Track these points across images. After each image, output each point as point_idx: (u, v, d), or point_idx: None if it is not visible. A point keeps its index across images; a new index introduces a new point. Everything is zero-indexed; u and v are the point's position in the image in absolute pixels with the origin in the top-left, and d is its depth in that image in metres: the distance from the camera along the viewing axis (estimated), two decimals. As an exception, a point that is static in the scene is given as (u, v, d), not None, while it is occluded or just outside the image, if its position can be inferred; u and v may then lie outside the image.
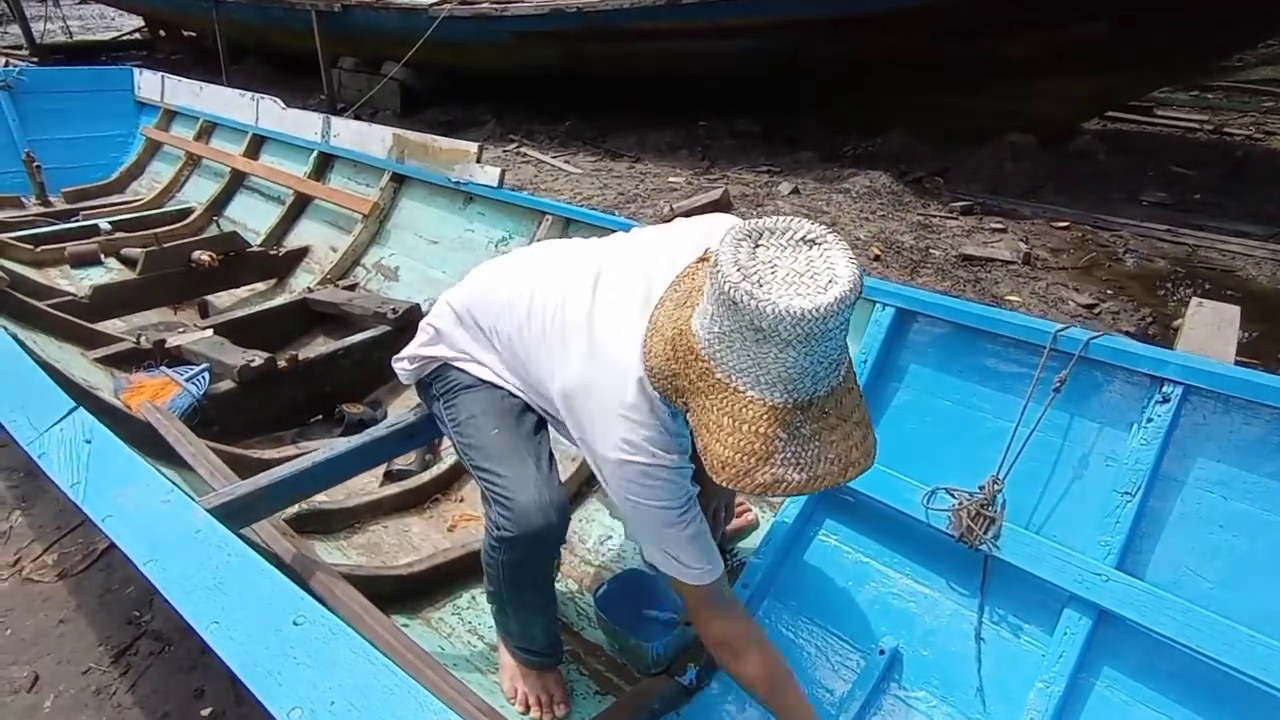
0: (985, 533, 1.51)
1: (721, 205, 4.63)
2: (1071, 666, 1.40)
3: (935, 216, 4.82)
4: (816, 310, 0.90)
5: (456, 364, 1.41)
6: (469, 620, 1.71)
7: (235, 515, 1.20)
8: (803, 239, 0.97)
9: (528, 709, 1.45)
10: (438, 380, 1.44)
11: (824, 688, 1.56)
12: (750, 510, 1.89)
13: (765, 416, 0.97)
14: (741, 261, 0.95)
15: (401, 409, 2.49)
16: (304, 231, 3.54)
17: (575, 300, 1.23)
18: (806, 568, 1.73)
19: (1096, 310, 3.75)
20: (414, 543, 1.95)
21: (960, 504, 1.54)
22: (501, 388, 1.36)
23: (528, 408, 1.37)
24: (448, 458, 2.21)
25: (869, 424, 1.06)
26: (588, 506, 2.00)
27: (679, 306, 1.08)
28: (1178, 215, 4.89)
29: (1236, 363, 3.03)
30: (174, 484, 1.09)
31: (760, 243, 0.97)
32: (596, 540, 1.93)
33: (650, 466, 1.11)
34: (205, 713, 1.73)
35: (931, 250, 4.29)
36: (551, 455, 1.36)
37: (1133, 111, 6.95)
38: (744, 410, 0.97)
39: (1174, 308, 3.85)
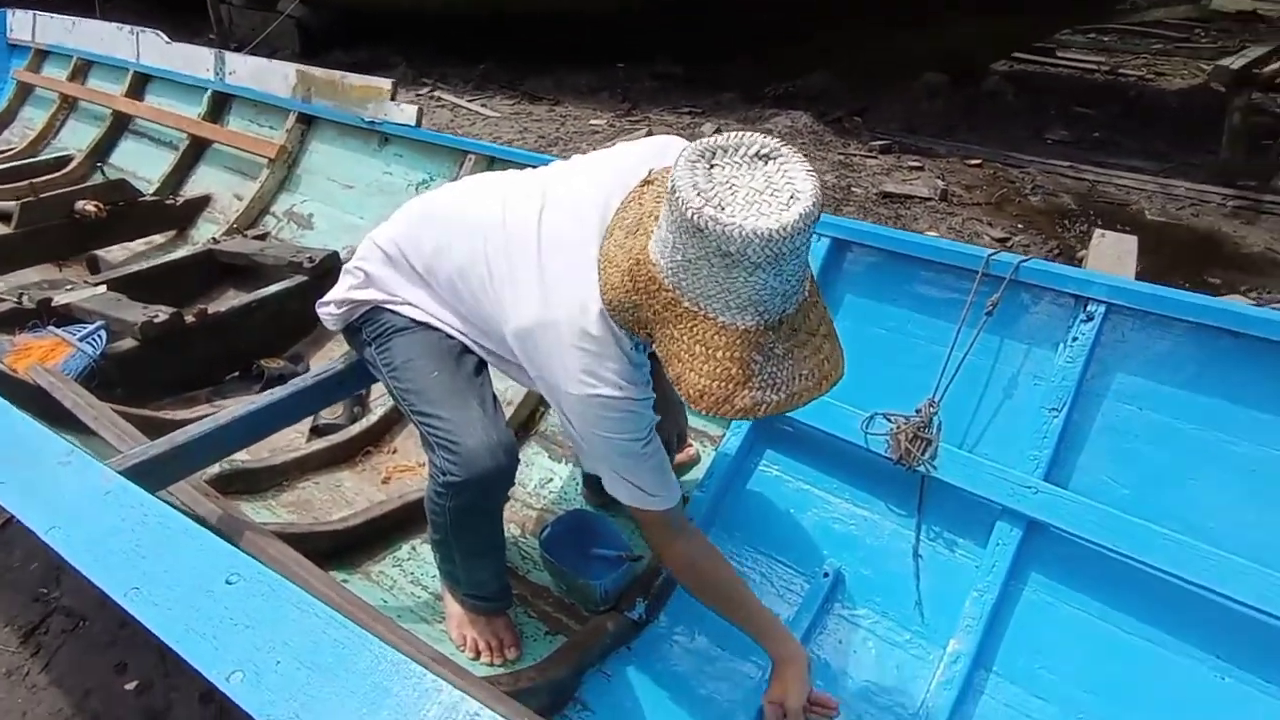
0: (922, 454, 1.55)
1: (648, 147, 4.53)
2: (1003, 575, 1.47)
3: (855, 155, 4.87)
4: (784, 229, 0.88)
5: (388, 306, 1.33)
6: (410, 571, 1.66)
7: (147, 477, 1.10)
8: (757, 154, 0.94)
9: (478, 655, 1.43)
10: (368, 324, 1.35)
11: (774, 611, 1.59)
12: (691, 445, 1.89)
13: (739, 341, 0.96)
14: (700, 184, 0.91)
15: (325, 361, 2.36)
16: (203, 179, 3.27)
17: (521, 237, 1.17)
18: (749, 498, 1.74)
19: (1009, 243, 3.89)
20: (347, 497, 1.87)
21: (898, 428, 1.58)
22: (438, 329, 1.30)
23: (466, 349, 1.30)
24: (377, 409, 2.12)
25: (835, 335, 1.06)
26: (527, 450, 1.96)
27: (630, 235, 1.04)
28: (1079, 152, 5.10)
29: (1138, 289, 3.21)
30: (75, 446, 0.99)
31: (715, 162, 0.94)
32: (537, 483, 1.90)
33: (615, 399, 1.09)
34: (130, 686, 1.64)
35: (853, 188, 4.35)
36: (496, 397, 1.32)
37: (1037, 53, 7.17)
38: (716, 337, 0.96)
39: (1077, 240, 4.04)
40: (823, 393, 1.02)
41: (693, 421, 1.95)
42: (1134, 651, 1.38)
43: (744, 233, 0.88)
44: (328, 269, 2.45)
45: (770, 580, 1.64)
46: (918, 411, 1.57)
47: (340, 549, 1.64)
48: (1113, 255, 3.56)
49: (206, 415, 1.98)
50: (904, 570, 1.58)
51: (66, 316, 2.17)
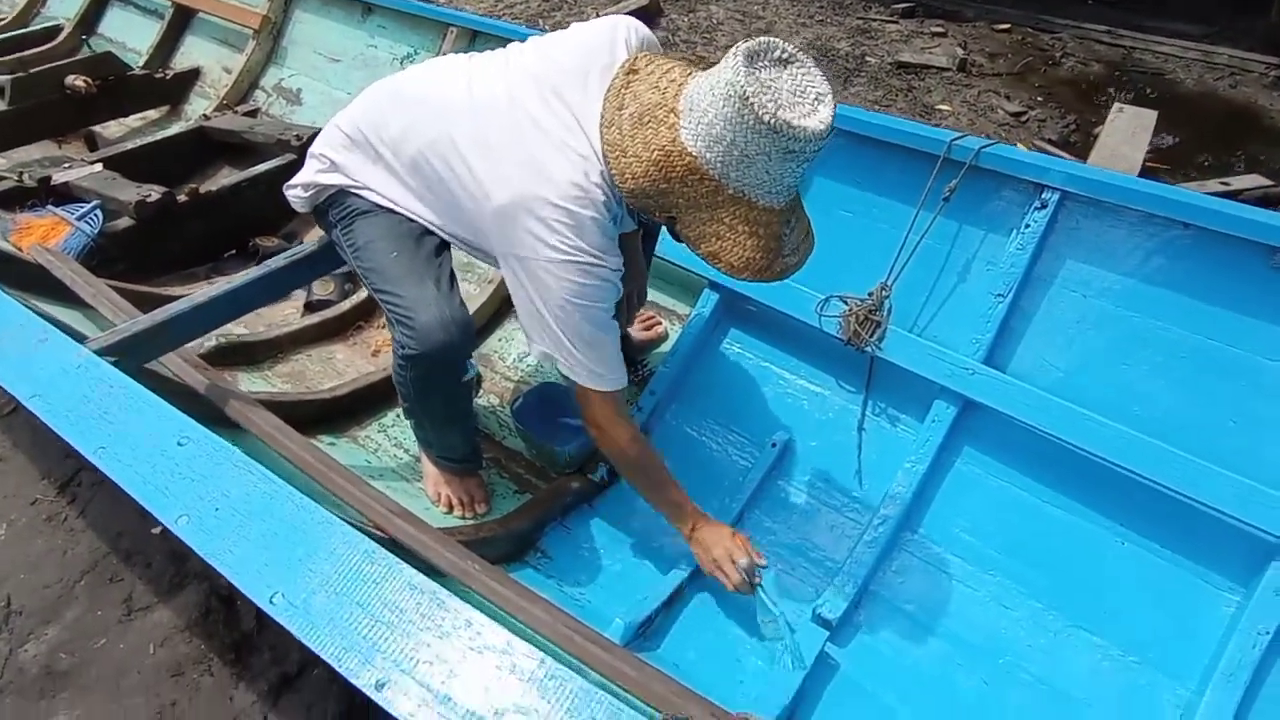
0: (871, 336, 1.62)
1: (650, 11, 4.33)
2: (935, 449, 1.58)
3: (875, 20, 4.61)
4: (827, 127, 1.04)
5: (353, 190, 1.39)
6: (394, 436, 1.81)
7: (133, 350, 1.22)
8: (779, 59, 1.05)
9: (451, 509, 1.59)
10: (334, 207, 1.42)
11: (723, 477, 1.73)
12: (659, 324, 1.98)
13: (777, 220, 1.13)
14: (766, 87, 1.02)
15: (316, 239, 2.44)
16: (192, 51, 3.23)
17: (493, 117, 1.22)
18: (710, 374, 1.85)
19: (1024, 118, 3.76)
20: (338, 369, 2.00)
21: (850, 310, 1.64)
22: (399, 213, 1.36)
23: (427, 232, 1.37)
24: (368, 287, 2.21)
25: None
26: (506, 327, 2.07)
27: (640, 125, 1.11)
28: (1119, 15, 4.76)
29: (1144, 169, 3.12)
30: (73, 329, 1.10)
31: (755, 65, 1.03)
32: (515, 358, 2.01)
33: (595, 266, 1.18)
34: (156, 530, 1.85)
35: (867, 58, 4.16)
36: (453, 275, 1.39)
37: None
38: (760, 217, 1.11)
39: (1100, 114, 3.87)
40: (811, 253, 1.23)
41: (660, 299, 2.03)
42: (1047, 519, 1.51)
43: (808, 131, 1.02)
44: (316, 147, 2.47)
45: (725, 449, 1.77)
46: (870, 294, 1.63)
47: (328, 416, 1.78)
48: (1127, 131, 3.43)
49: (179, 291, 2.10)
50: (847, 443, 1.70)
51: (65, 195, 2.25)
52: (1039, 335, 1.59)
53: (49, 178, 2.29)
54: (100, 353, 1.16)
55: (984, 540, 1.54)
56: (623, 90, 1.14)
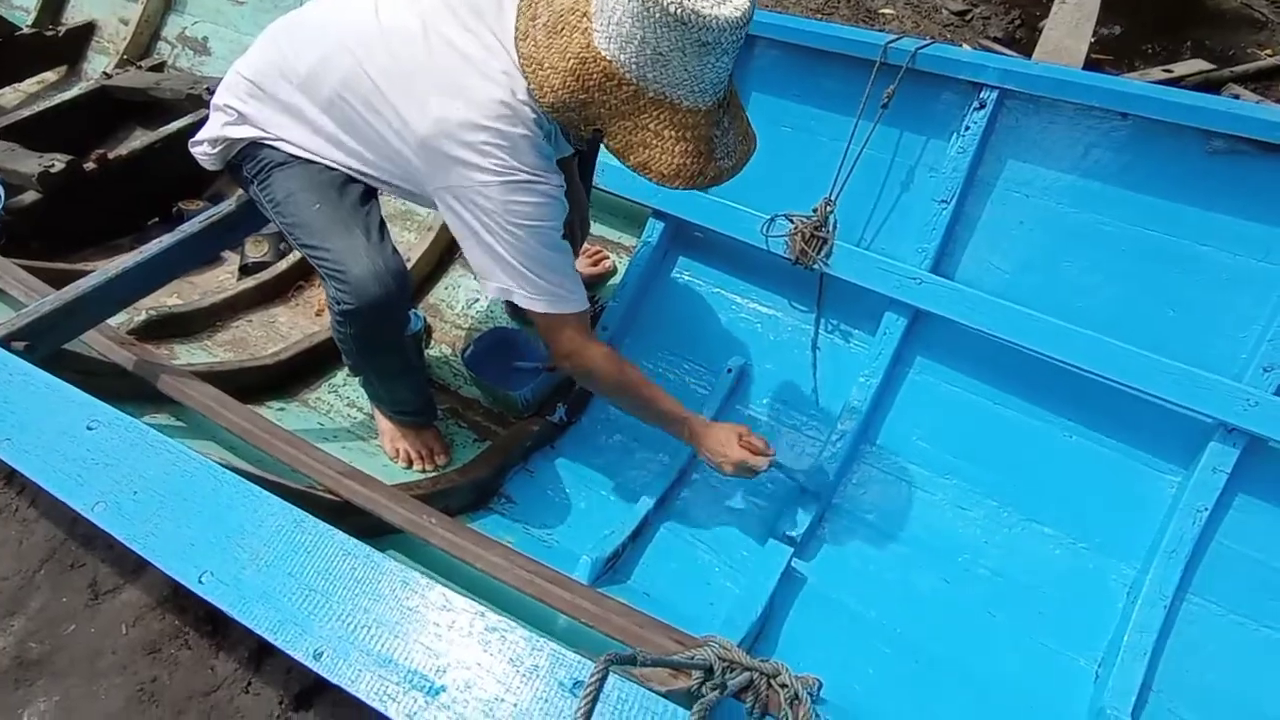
0: (818, 253, 1.61)
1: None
2: (888, 361, 1.59)
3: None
4: (742, 14, 0.98)
5: (265, 141, 1.31)
6: (346, 396, 1.77)
7: (44, 333, 1.15)
8: None
9: (410, 463, 1.57)
10: (247, 161, 1.33)
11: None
12: (607, 258, 1.94)
13: (704, 121, 1.07)
14: None
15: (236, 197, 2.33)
16: (84, 3, 2.98)
17: (406, 44, 1.14)
18: (662, 304, 1.83)
19: (968, 17, 3.67)
20: (282, 332, 1.94)
21: (796, 228, 1.62)
22: (317, 162, 1.28)
23: (350, 179, 1.30)
24: (303, 245, 2.13)
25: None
26: (452, 274, 2.01)
27: (554, 34, 1.05)
28: (1060, -102, 4.61)
29: (1088, 61, 3.09)
30: None
31: None
32: (463, 305, 1.97)
33: (537, 184, 1.14)
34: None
35: (808, -39, 4.00)
36: (383, 223, 1.33)
37: None
38: (685, 119, 1.06)
39: (1045, 7, 3.79)
40: (752, 151, 1.18)
41: (605, 233, 1.99)
42: (999, 420, 1.54)
43: (720, 20, 0.97)
44: (230, 98, 2.33)
45: (681, 379, 1.76)
46: (815, 211, 1.61)
47: (274, 381, 1.73)
48: (1070, 22, 3.38)
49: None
50: (803, 363, 1.70)
51: (-39, 171, 2.10)
52: (983, 239, 1.59)
53: (-60, 154, 2.13)
54: (7, 339, 1.10)
55: (940, 446, 1.57)
56: (533, 3, 1.08)
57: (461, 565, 1.08)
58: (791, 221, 1.64)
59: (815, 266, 1.61)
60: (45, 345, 1.15)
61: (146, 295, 1.39)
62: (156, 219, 2.33)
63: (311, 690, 1.56)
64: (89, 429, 0.83)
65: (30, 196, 2.03)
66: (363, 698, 0.65)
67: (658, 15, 0.96)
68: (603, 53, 1.03)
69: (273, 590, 0.70)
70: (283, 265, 2.08)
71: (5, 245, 1.83)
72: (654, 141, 1.07)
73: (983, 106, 1.53)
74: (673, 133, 1.06)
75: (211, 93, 2.31)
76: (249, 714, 1.55)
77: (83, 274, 1.92)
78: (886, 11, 3.64)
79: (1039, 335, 1.46)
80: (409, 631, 0.67)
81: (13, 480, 1.91)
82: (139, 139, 2.35)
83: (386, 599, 0.69)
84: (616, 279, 1.89)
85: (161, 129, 2.32)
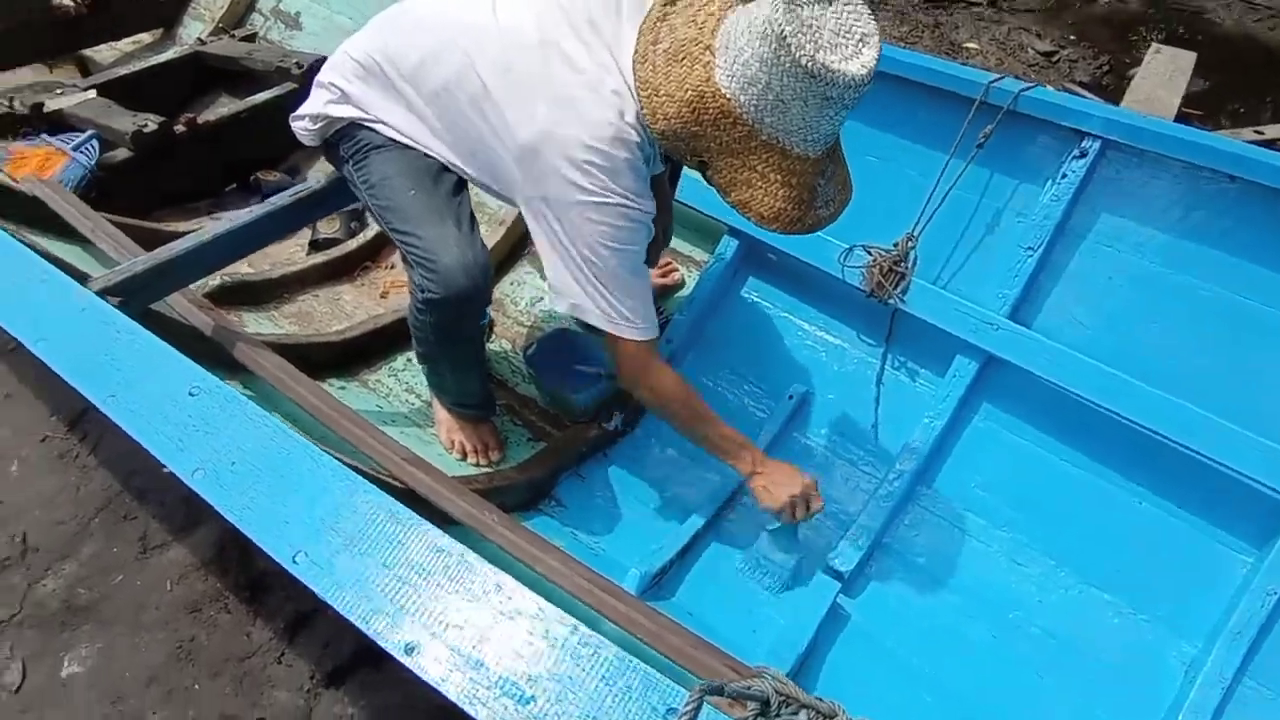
0: (894, 288, 1.58)
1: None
2: (954, 404, 1.55)
3: (901, -53, 4.38)
4: (868, 72, 0.98)
5: (365, 123, 1.31)
6: (405, 381, 1.79)
7: (139, 291, 1.18)
8: None
9: (464, 456, 1.58)
10: (345, 140, 1.34)
11: (739, 428, 1.70)
12: (676, 270, 1.93)
13: (811, 169, 1.08)
14: (807, 25, 0.96)
15: (322, 172, 2.37)
16: (185, -33, 3.07)
17: (521, 49, 1.15)
18: (729, 323, 1.81)
19: (1055, 58, 3.61)
20: (346, 310, 1.97)
21: (874, 260, 1.60)
22: (415, 148, 1.29)
23: (445, 168, 1.31)
24: (375, 225, 2.16)
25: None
26: (518, 270, 2.02)
27: (674, 62, 1.05)
28: (1161, -54, 4.52)
29: (1179, 114, 3.01)
30: (72, 266, 1.05)
31: (798, 2, 0.96)
32: (528, 302, 1.97)
33: (629, 208, 1.14)
34: (168, 470, 1.86)
35: (893, -11, 3.97)
36: (473, 216, 1.34)
37: None
38: (794, 166, 1.06)
39: (1135, 55, 3.71)
40: (846, 206, 1.18)
41: (678, 245, 1.98)
42: (1064, 477, 1.50)
43: (847, 77, 0.97)
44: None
45: (741, 400, 1.75)
46: (895, 245, 1.58)
47: (338, 359, 1.75)
48: (1164, 73, 3.29)
49: (180, 227, 2.05)
50: (866, 396, 1.68)
51: (59, 123, 2.16)
52: (1068, 291, 1.55)
53: (41, 104, 2.20)
54: (103, 293, 1.12)
55: (999, 497, 1.53)
56: (659, 23, 1.08)
57: (516, 564, 1.08)
58: (870, 253, 1.61)
59: (890, 301, 1.59)
60: (136, 303, 1.17)
61: (232, 263, 1.42)
62: (234, 185, 2.38)
63: (343, 669, 1.57)
64: (191, 394, 0.85)
65: (121, 154, 2.09)
66: (452, 698, 0.65)
67: (788, 64, 0.96)
68: (723, 90, 1.03)
69: (365, 579, 0.70)
70: (352, 244, 2.11)
71: (94, 199, 1.87)
72: (758, 182, 1.07)
73: (1083, 155, 1.49)
74: (779, 177, 1.06)
75: (301, 67, 2.39)
76: (280, 684, 1.57)
77: (164, 233, 1.98)
78: (970, 46, 3.59)
79: (1117, 395, 1.42)
80: (501, 636, 0.67)
81: (75, 427, 1.96)
82: (225, 106, 2.41)
83: (479, 600, 0.68)
84: (685, 292, 1.89)
85: (248, 99, 2.37)
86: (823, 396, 1.71)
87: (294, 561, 0.73)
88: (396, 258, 2.16)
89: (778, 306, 1.80)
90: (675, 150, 1.11)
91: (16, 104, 2.20)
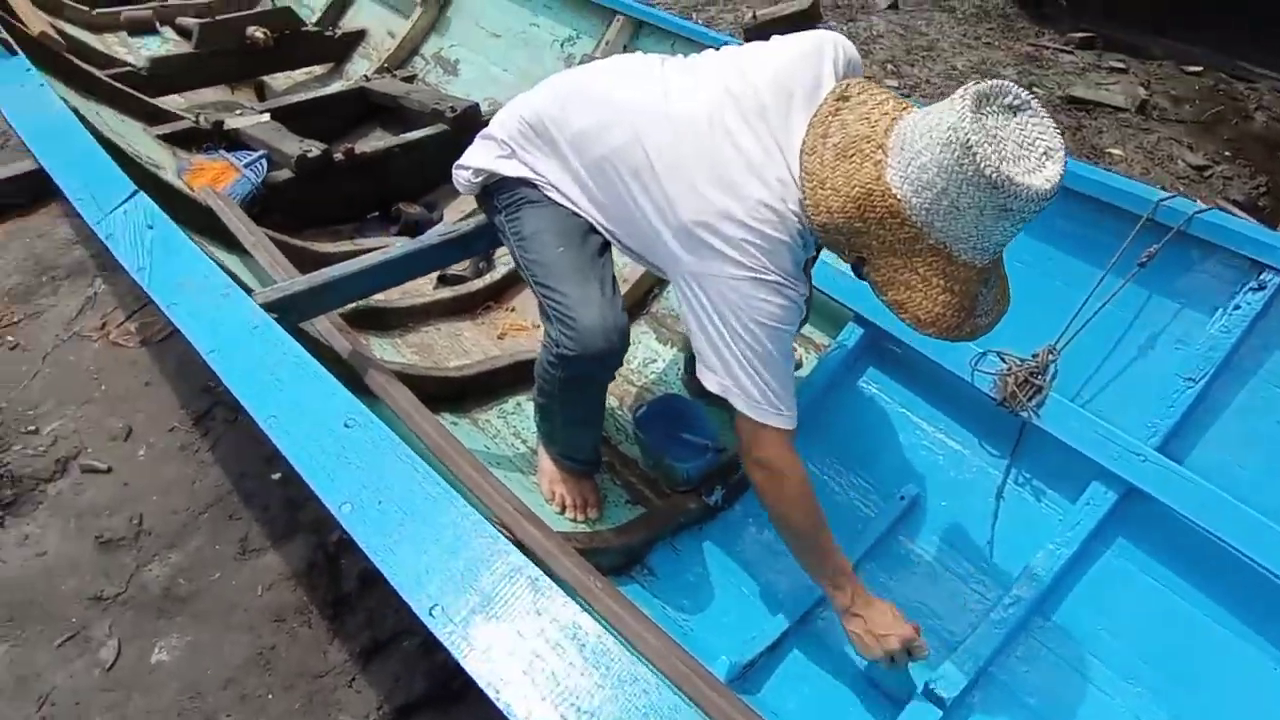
0: (1029, 400, 1.50)
1: (810, 16, 4.20)
2: (1085, 534, 1.44)
3: (1048, 48, 4.32)
4: (1052, 187, 0.95)
5: (525, 180, 1.36)
6: (513, 424, 1.81)
7: (293, 309, 1.25)
8: (1009, 105, 0.97)
9: (563, 509, 1.57)
10: (501, 192, 1.39)
11: (842, 523, 1.62)
12: (796, 351, 1.89)
13: (975, 277, 1.05)
14: (992, 135, 0.94)
15: (457, 214, 2.48)
16: (361, 12, 3.34)
17: (690, 130, 1.17)
18: (843, 412, 1.76)
19: (1208, 173, 3.43)
20: (465, 347, 2.02)
21: (1009, 369, 1.52)
22: (568, 207, 1.33)
23: (593, 229, 1.34)
24: (501, 267, 2.23)
25: None
26: (636, 329, 2.03)
27: (843, 158, 1.05)
28: (1330, 68, 4.28)
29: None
30: (231, 275, 1.12)
31: (983, 109, 0.96)
32: (641, 362, 1.98)
33: (783, 288, 1.13)
34: (276, 477, 1.93)
35: (1035, 89, 3.90)
36: (615, 279, 1.36)
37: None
38: (958, 273, 1.04)
39: (1293, 178, 3.50)
40: (1003, 317, 1.14)
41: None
42: (1205, 634, 1.35)
43: (1030, 191, 0.94)
44: (468, 120, 2.51)
45: (847, 494, 1.67)
46: (1035, 356, 1.51)
47: (453, 394, 1.80)
48: (1328, 201, 3.08)
49: (348, 252, 2.17)
50: (982, 509, 1.58)
51: (235, 140, 2.36)
52: (1229, 429, 1.42)
53: (222, 122, 2.41)
54: (263, 308, 1.18)
55: (1128, 645, 1.40)
56: (830, 117, 1.08)
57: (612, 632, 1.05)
58: (1005, 360, 1.54)
59: (1022, 413, 1.50)
60: (288, 321, 1.23)
61: (380, 291, 1.48)
62: (376, 213, 2.52)
63: (411, 706, 1.56)
64: (346, 426, 0.87)
65: (284, 174, 2.25)
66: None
67: (970, 173, 0.94)
68: (894, 190, 1.02)
69: (498, 646, 0.68)
70: (478, 284, 2.18)
71: (256, 214, 2.02)
72: (919, 285, 1.05)
73: (1261, 288, 1.39)
74: (941, 282, 1.04)
75: (454, 111, 2.53)
76: (348, 708, 1.57)
77: (311, 252, 2.10)
78: (1114, 152, 3.46)
79: (1275, 550, 1.28)
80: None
81: (199, 423, 2.07)
82: (380, 140, 2.57)
83: (611, 694, 0.65)
84: (802, 374, 1.84)
85: (402, 135, 2.52)
86: (935, 502, 1.62)
87: (430, 614, 0.72)
88: (518, 302, 2.22)
89: (896, 401, 1.74)
90: (833, 244, 1.10)
91: (202, 120, 2.42)
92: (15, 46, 1.78)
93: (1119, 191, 1.51)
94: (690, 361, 1.89)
